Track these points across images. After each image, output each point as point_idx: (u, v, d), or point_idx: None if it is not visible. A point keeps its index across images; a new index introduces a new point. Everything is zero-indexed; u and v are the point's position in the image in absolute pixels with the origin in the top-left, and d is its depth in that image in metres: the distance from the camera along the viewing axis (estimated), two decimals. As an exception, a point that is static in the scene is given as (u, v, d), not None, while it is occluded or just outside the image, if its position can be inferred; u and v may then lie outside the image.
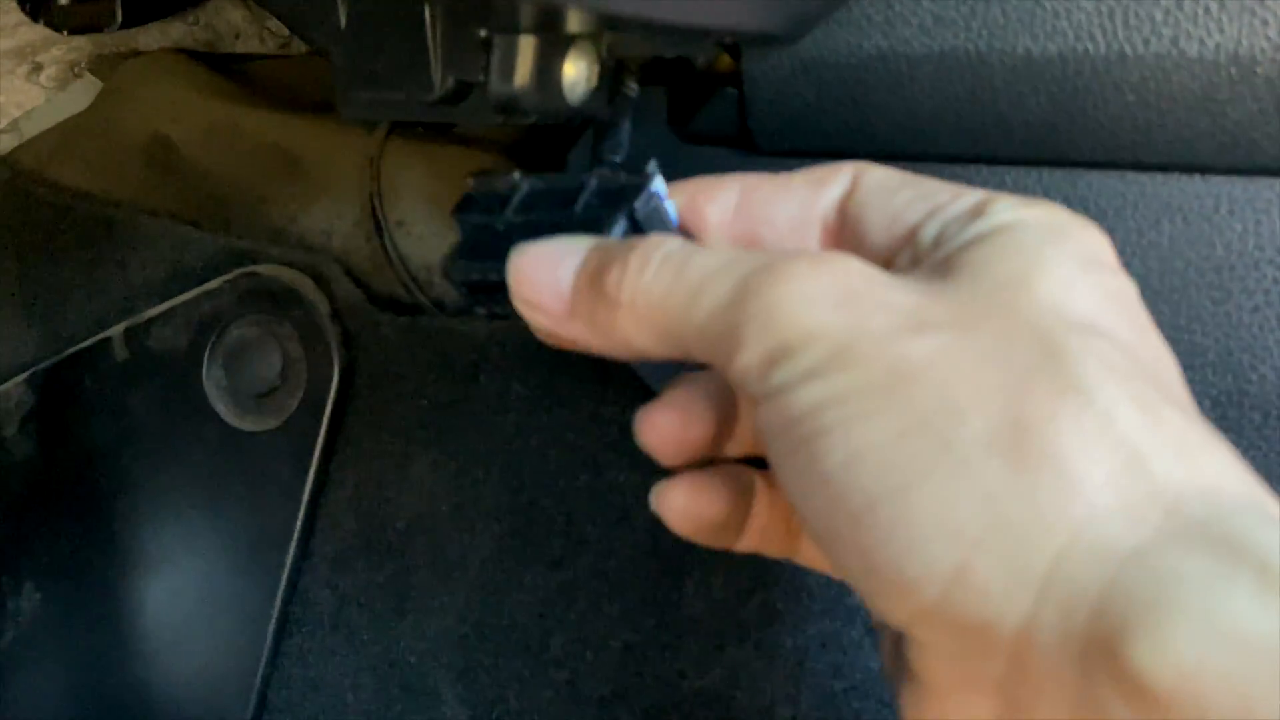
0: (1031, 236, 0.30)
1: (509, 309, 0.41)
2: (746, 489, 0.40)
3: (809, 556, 0.41)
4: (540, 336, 0.38)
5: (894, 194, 0.34)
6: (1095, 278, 0.30)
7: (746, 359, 0.30)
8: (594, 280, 0.34)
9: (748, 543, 0.41)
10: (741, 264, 0.31)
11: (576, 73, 0.40)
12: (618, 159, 0.43)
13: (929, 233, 0.32)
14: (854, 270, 0.30)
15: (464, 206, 0.42)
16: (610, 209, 0.40)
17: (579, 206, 0.40)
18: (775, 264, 0.30)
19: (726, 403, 0.39)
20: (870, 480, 0.27)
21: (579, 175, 0.42)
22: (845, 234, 0.36)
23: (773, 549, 0.41)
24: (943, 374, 0.27)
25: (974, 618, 0.26)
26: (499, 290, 0.40)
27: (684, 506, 0.40)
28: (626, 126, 0.43)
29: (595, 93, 0.42)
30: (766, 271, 0.30)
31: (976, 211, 0.32)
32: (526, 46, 0.38)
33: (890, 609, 0.28)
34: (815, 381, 0.28)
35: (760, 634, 0.52)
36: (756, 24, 0.39)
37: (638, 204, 0.40)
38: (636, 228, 0.40)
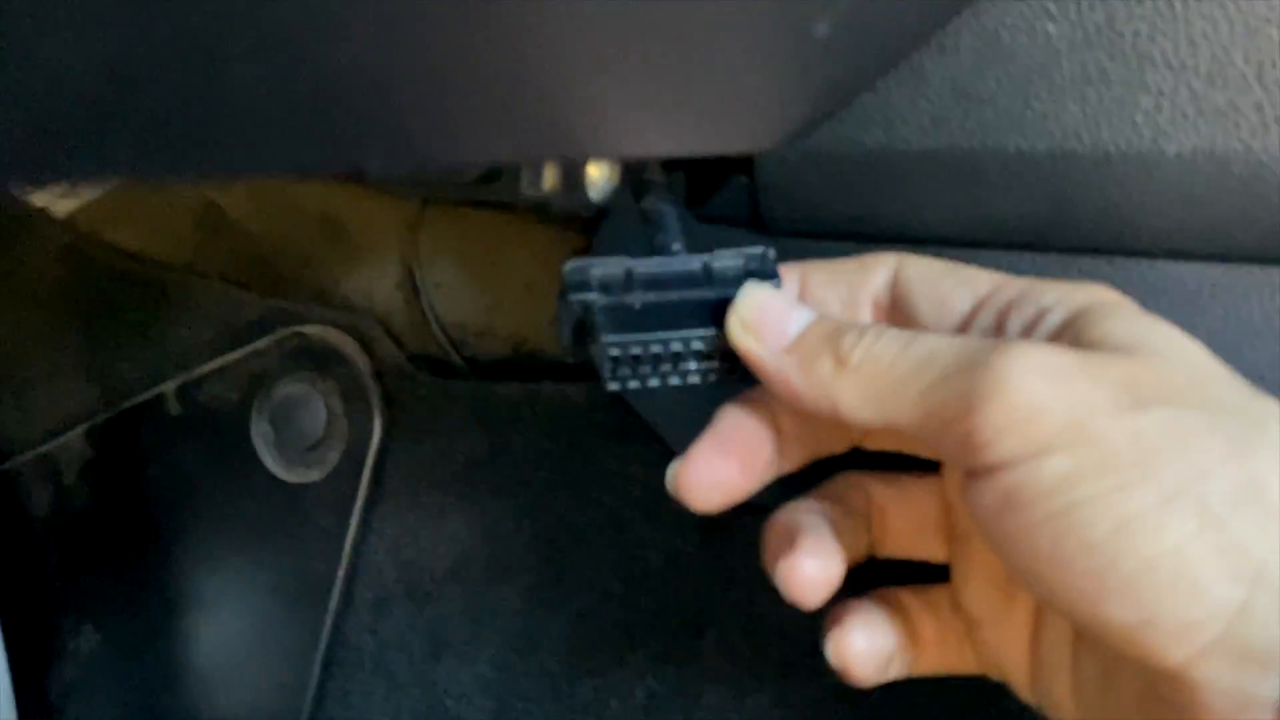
0: (1142, 315, 0.37)
1: (647, 382, 0.43)
2: (899, 609, 0.43)
3: (985, 663, 0.43)
4: (707, 377, 0.42)
5: (938, 281, 0.40)
6: None
7: (975, 427, 0.33)
8: (828, 337, 0.37)
9: (927, 663, 0.44)
10: (966, 341, 0.34)
11: (599, 174, 0.43)
12: (678, 245, 0.45)
13: (1016, 322, 0.38)
14: (1056, 348, 0.34)
15: (577, 287, 0.44)
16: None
17: (713, 287, 0.43)
18: (999, 341, 0.34)
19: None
20: (1145, 543, 0.31)
21: (688, 258, 0.45)
22: (896, 315, 0.41)
23: (951, 661, 0.44)
24: (1183, 445, 0.31)
25: (1258, 645, 0.30)
26: (645, 362, 0.43)
27: (867, 647, 0.42)
28: (674, 213, 0.45)
29: (617, 189, 0.45)
30: (993, 346, 0.34)
31: (1035, 296, 0.38)
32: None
33: (1171, 652, 0.31)
34: (1059, 455, 0.32)
35: (778, 685, 0.55)
36: (753, 145, 0.42)
37: (776, 285, 0.43)
38: None
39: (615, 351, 0.42)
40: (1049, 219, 0.45)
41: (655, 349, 0.41)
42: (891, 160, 0.46)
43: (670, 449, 0.58)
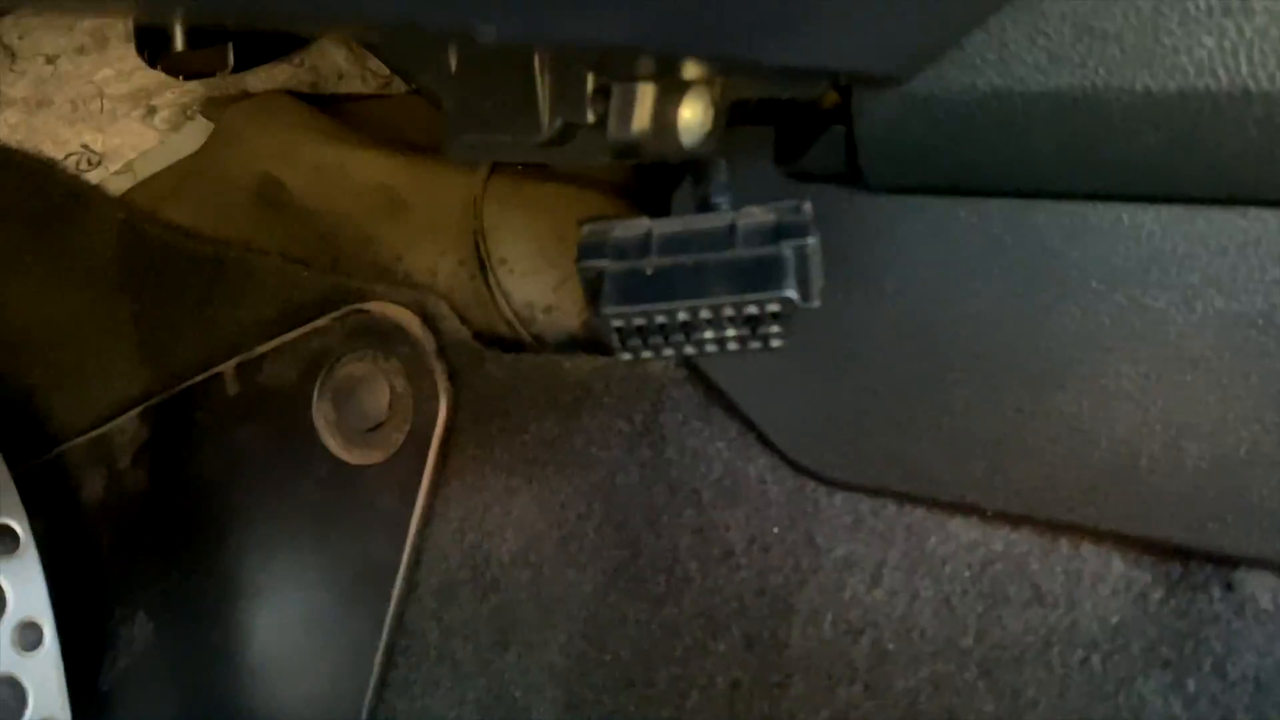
0: None
1: (658, 352, 0.42)
2: None
3: None
4: (725, 346, 0.41)
5: None
6: None
7: None
8: None
9: None
10: None
11: (693, 117, 0.41)
12: (726, 200, 0.44)
13: None
14: None
15: (591, 253, 0.43)
16: (774, 247, 0.41)
17: (737, 247, 0.42)
18: None
19: None
20: None
21: (716, 216, 0.43)
22: None
23: None
24: None
25: None
26: (661, 334, 0.41)
27: None
28: (724, 167, 0.44)
29: (709, 135, 0.42)
30: None
31: None
32: (645, 94, 0.39)
33: None
34: None
35: (870, 675, 0.52)
36: (870, 65, 0.39)
37: (807, 242, 0.41)
38: (802, 264, 0.41)
39: (619, 322, 0.41)
40: (1178, 167, 0.42)
41: (661, 318, 0.40)
42: (1005, 104, 0.43)
43: (753, 425, 0.56)
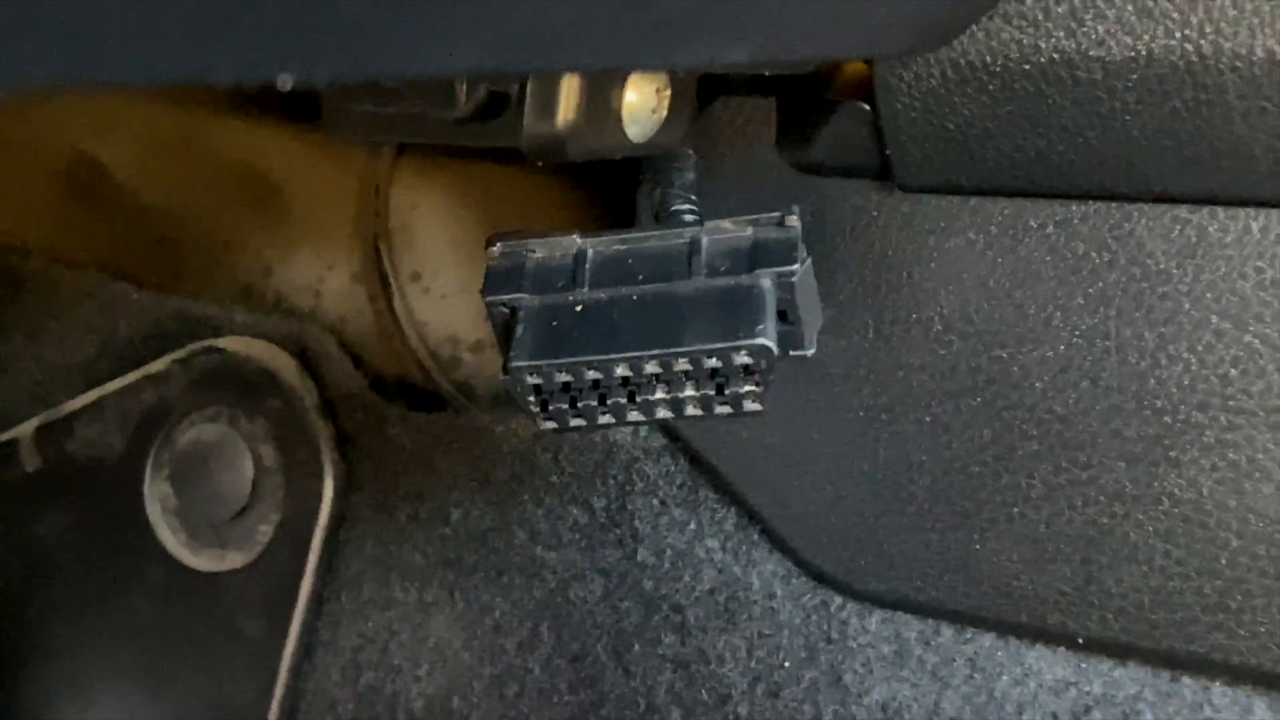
0: None
1: (591, 421, 0.47)
2: None
3: None
4: (680, 412, 0.45)
5: None
6: None
7: None
8: None
9: None
10: None
11: (641, 101, 0.46)
12: (690, 207, 0.48)
13: None
14: None
15: (498, 281, 0.48)
16: (748, 275, 0.46)
17: (697, 276, 0.47)
18: None
19: None
20: None
21: (673, 231, 0.48)
22: None
23: None
24: None
25: None
26: (586, 393, 0.46)
27: None
28: (691, 162, 0.49)
29: (668, 123, 0.47)
30: None
31: None
32: (572, 76, 0.44)
33: None
34: None
35: None
36: (876, 48, 0.44)
37: (793, 270, 0.46)
38: (787, 301, 0.47)
39: (534, 379, 0.45)
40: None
41: (590, 375, 0.44)
42: (1080, 74, 0.48)
43: (757, 516, 0.61)
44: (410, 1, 0.29)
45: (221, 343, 0.74)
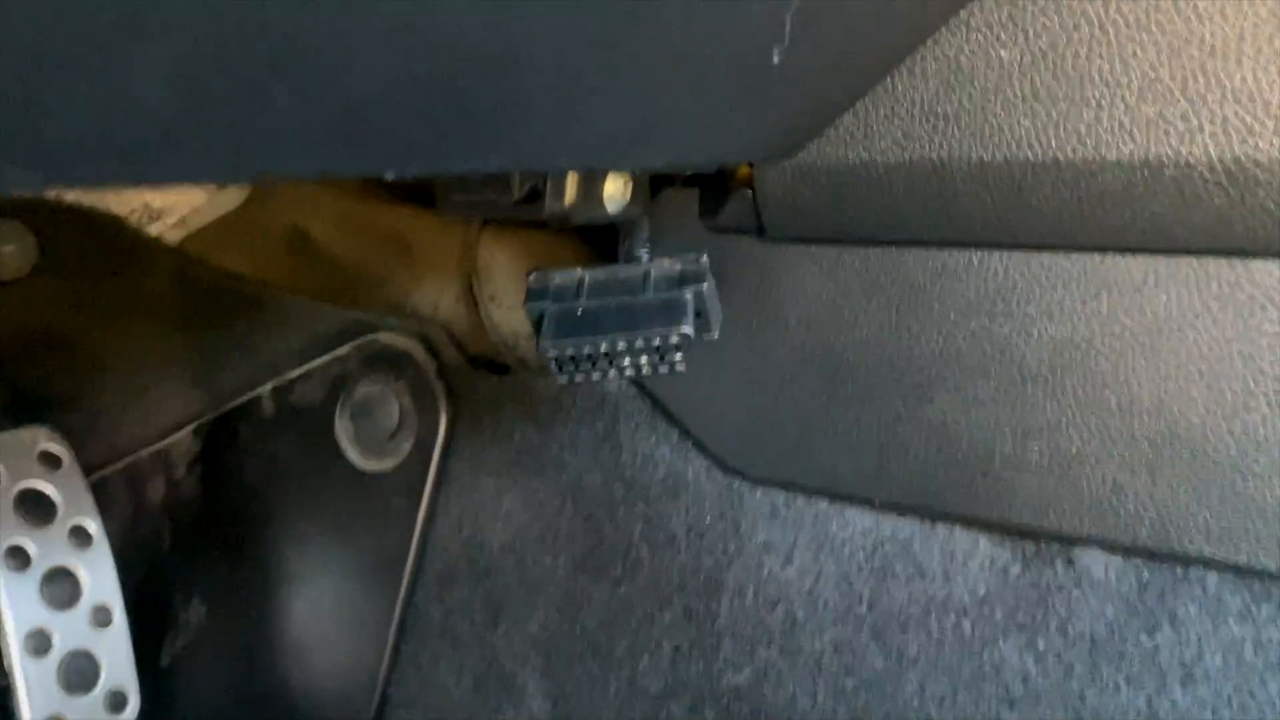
0: None
1: (589, 376, 0.48)
2: None
3: None
4: (640, 371, 0.46)
5: None
6: None
7: None
8: None
9: None
10: None
11: (614, 190, 0.47)
12: (645, 252, 0.50)
13: None
14: None
15: (536, 296, 0.49)
16: (674, 292, 0.47)
17: (648, 292, 0.47)
18: None
19: None
20: None
21: (635, 266, 0.49)
22: None
23: None
24: None
25: None
26: (588, 361, 0.47)
27: None
28: (646, 225, 0.50)
29: (629, 203, 0.48)
30: None
31: None
32: (573, 176, 0.45)
33: None
34: None
35: (784, 639, 0.58)
36: (751, 157, 0.45)
37: (703, 287, 0.47)
38: (700, 306, 0.47)
39: (554, 352, 0.46)
40: (1013, 220, 0.47)
41: (588, 349, 0.45)
42: (871, 172, 0.48)
43: (691, 434, 0.62)
44: (470, 130, 0.30)
45: (379, 337, 0.73)
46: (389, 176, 0.28)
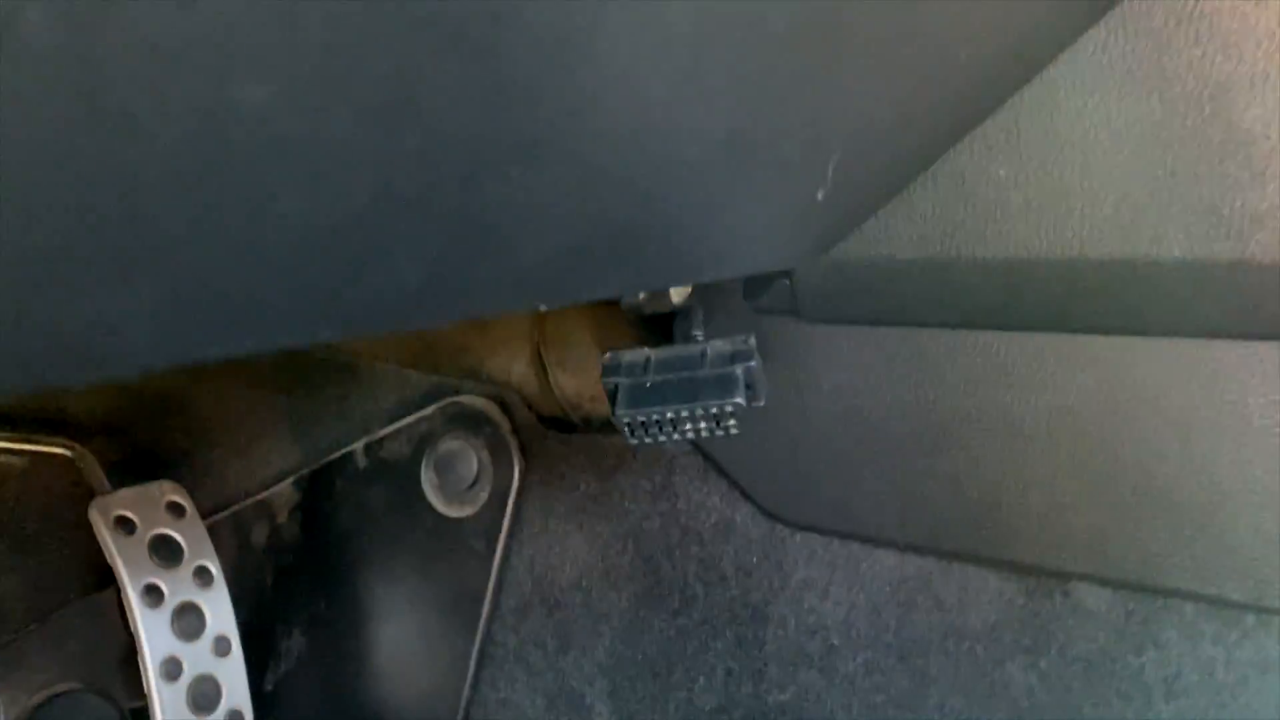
0: None
1: (655, 438, 0.53)
2: None
3: None
4: (700, 435, 0.50)
5: None
6: None
7: None
8: None
9: None
10: None
11: (680, 287, 0.53)
12: (699, 333, 0.56)
13: None
14: None
15: (610, 372, 0.55)
16: (728, 368, 0.53)
17: (705, 368, 0.53)
18: None
19: None
20: None
21: (694, 345, 0.55)
22: None
23: None
24: None
25: None
26: (656, 426, 0.52)
27: None
28: (700, 312, 0.56)
29: (688, 296, 0.55)
30: None
31: None
32: (644, 276, 0.52)
33: None
34: None
35: (823, 662, 0.63)
36: (788, 263, 0.51)
37: (752, 364, 0.53)
38: (749, 379, 0.53)
39: (627, 419, 0.52)
40: (1007, 307, 0.54)
41: (656, 417, 0.51)
42: (891, 267, 0.54)
43: (739, 485, 0.67)
44: (614, 265, 0.36)
45: (460, 399, 0.78)
46: (543, 309, 0.34)
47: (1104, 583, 0.56)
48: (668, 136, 0.28)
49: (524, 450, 0.76)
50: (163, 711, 0.71)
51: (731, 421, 0.52)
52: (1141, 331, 0.52)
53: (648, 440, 0.53)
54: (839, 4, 0.32)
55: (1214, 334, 0.51)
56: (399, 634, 0.81)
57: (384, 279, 0.24)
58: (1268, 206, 0.45)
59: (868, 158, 0.44)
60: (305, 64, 0.17)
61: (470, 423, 0.78)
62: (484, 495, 0.77)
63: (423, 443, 0.80)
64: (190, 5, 0.15)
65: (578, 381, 0.76)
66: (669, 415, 0.51)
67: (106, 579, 0.78)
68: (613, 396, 0.54)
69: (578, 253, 0.32)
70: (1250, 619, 0.53)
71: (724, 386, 0.51)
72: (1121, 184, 0.48)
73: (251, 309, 0.21)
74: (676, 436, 0.52)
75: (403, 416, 0.81)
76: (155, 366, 0.21)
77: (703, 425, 0.52)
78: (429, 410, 0.80)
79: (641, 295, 0.52)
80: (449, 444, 0.79)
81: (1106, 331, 0.53)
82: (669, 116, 0.27)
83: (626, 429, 0.53)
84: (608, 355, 0.55)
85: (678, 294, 0.54)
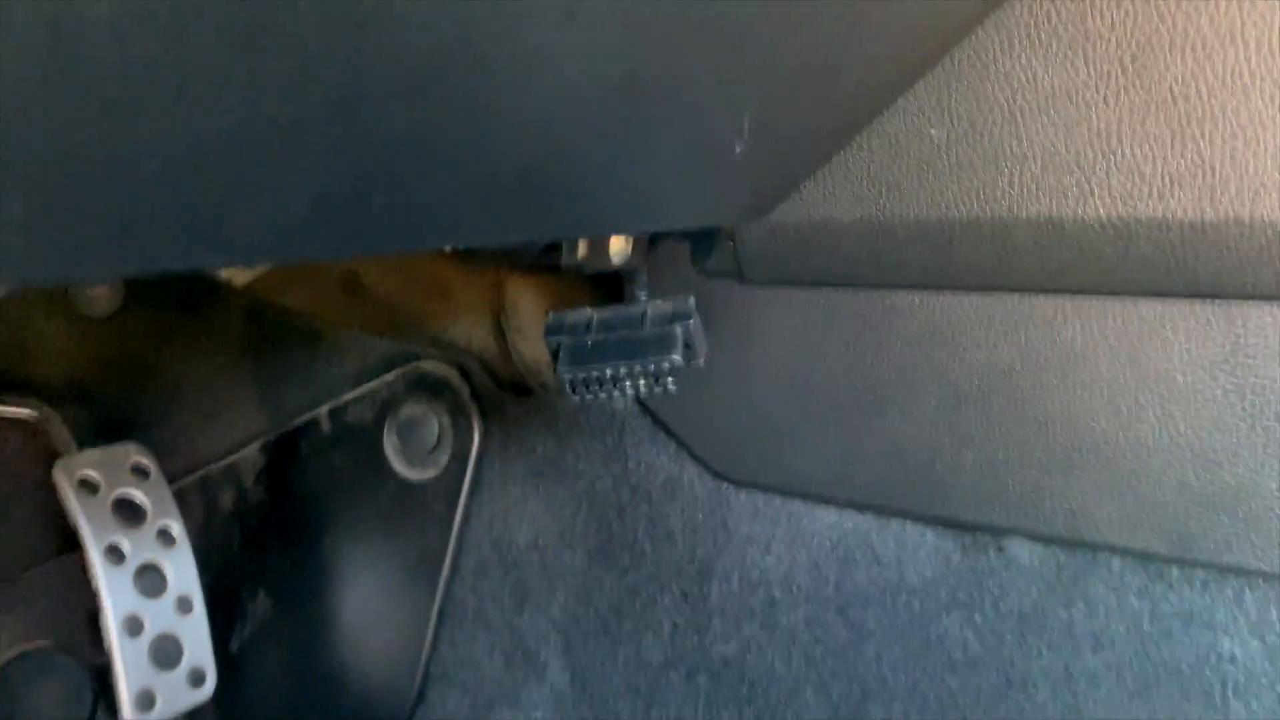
0: None
1: (597, 396, 0.53)
2: None
3: None
4: (639, 392, 0.51)
5: None
6: None
7: None
8: None
9: None
10: None
11: (618, 246, 0.54)
12: (644, 294, 0.56)
13: None
14: None
15: (553, 331, 0.56)
16: (667, 328, 0.53)
17: (645, 328, 0.53)
18: None
19: None
20: None
21: (636, 305, 0.55)
22: None
23: None
24: None
25: None
26: (597, 384, 0.53)
27: None
28: (644, 273, 0.56)
29: (631, 255, 0.55)
30: None
31: None
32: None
33: None
34: None
35: (765, 616, 0.64)
36: (726, 220, 0.52)
37: (690, 323, 0.53)
38: (688, 338, 0.53)
39: (569, 376, 0.52)
40: (942, 267, 0.54)
41: (596, 374, 0.51)
42: (829, 228, 0.55)
43: (686, 445, 0.68)
44: (528, 210, 0.36)
45: (421, 365, 0.79)
46: (447, 250, 0.34)
47: (1036, 538, 0.57)
48: (559, 78, 0.29)
49: (483, 415, 0.77)
50: (125, 667, 0.71)
51: (670, 380, 0.52)
52: (1070, 290, 0.52)
53: (589, 397, 0.53)
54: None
55: (1139, 292, 0.51)
56: (362, 594, 0.81)
57: (269, 206, 0.25)
58: (1187, 165, 0.46)
59: (792, 116, 0.44)
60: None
61: (431, 388, 0.79)
62: (444, 459, 0.78)
63: (385, 408, 0.81)
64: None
65: (535, 348, 0.77)
66: (609, 373, 0.52)
67: (74, 541, 0.78)
68: (555, 354, 0.54)
69: (478, 195, 0.32)
70: (1174, 572, 0.54)
71: (663, 345, 0.52)
72: (1048, 144, 0.49)
73: (128, 230, 0.21)
74: (617, 394, 0.53)
75: (366, 382, 0.82)
76: (32, 282, 0.21)
77: (642, 383, 0.52)
78: (391, 376, 0.81)
79: (581, 253, 0.52)
80: (411, 409, 0.80)
81: (1037, 290, 0.53)
82: (558, 57, 0.28)
83: (568, 386, 0.53)
84: (551, 314, 0.55)
85: (618, 254, 0.54)
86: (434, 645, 0.78)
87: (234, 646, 0.85)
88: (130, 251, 0.22)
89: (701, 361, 0.54)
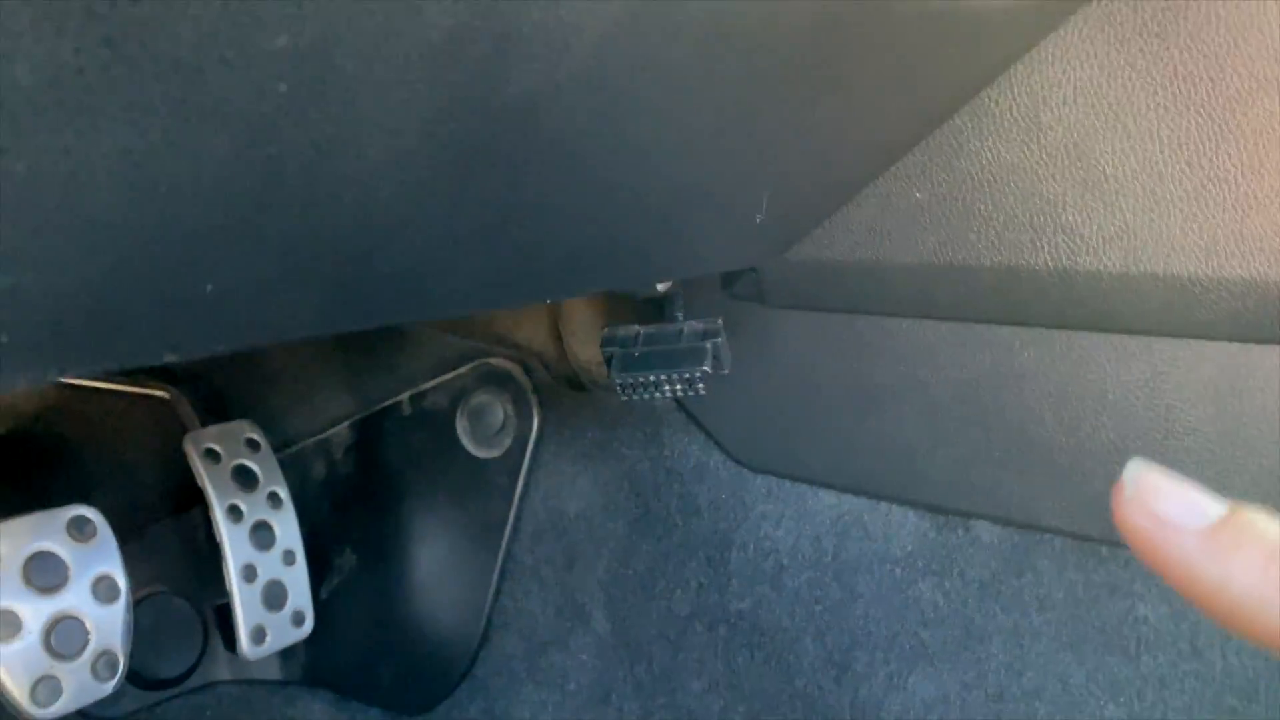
0: None
1: (645, 394, 0.62)
2: None
3: None
4: (679, 393, 0.59)
5: None
6: None
7: None
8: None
9: None
10: None
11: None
12: (681, 314, 0.66)
13: None
14: None
15: (607, 343, 0.65)
16: (700, 343, 0.63)
17: (682, 343, 0.63)
18: None
19: None
20: None
21: (674, 324, 0.65)
22: None
23: None
24: None
25: None
26: (642, 386, 0.62)
27: None
28: (680, 296, 0.66)
29: (671, 285, 0.66)
30: None
31: None
32: (638, 271, 0.62)
33: None
34: None
35: (774, 579, 0.73)
36: (750, 263, 0.61)
37: (719, 340, 0.63)
38: (715, 352, 0.63)
39: (620, 380, 0.60)
40: (924, 300, 0.63)
41: (642, 379, 0.60)
42: (834, 266, 0.63)
43: (713, 436, 0.78)
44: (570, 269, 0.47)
45: (490, 360, 0.85)
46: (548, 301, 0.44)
47: (995, 520, 0.65)
48: (650, 178, 0.39)
49: (542, 405, 0.84)
50: (242, 607, 0.81)
51: (701, 385, 0.62)
52: (1025, 322, 0.62)
53: (636, 397, 0.62)
54: (759, 102, 0.42)
55: (1079, 327, 0.60)
56: (435, 554, 0.88)
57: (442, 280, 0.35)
58: (1115, 230, 0.56)
59: (797, 191, 0.54)
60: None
61: (498, 381, 0.85)
62: (508, 441, 0.84)
63: (458, 396, 0.87)
64: None
65: (588, 350, 0.83)
66: (652, 378, 0.61)
67: (189, 501, 0.86)
68: (609, 362, 0.63)
69: (583, 255, 0.43)
70: (1104, 550, 0.63)
71: (696, 357, 0.61)
72: (1007, 208, 0.58)
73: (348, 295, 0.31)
74: (659, 395, 0.62)
75: (441, 374, 0.87)
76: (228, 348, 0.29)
77: (678, 387, 0.62)
78: (464, 369, 0.87)
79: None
80: (480, 398, 0.86)
81: (999, 322, 0.62)
82: (652, 166, 0.38)
83: (619, 388, 0.62)
84: (605, 329, 0.65)
85: (661, 284, 0.64)
86: (496, 597, 0.85)
87: (324, 594, 0.93)
88: (344, 313, 0.32)
89: (727, 370, 0.63)
